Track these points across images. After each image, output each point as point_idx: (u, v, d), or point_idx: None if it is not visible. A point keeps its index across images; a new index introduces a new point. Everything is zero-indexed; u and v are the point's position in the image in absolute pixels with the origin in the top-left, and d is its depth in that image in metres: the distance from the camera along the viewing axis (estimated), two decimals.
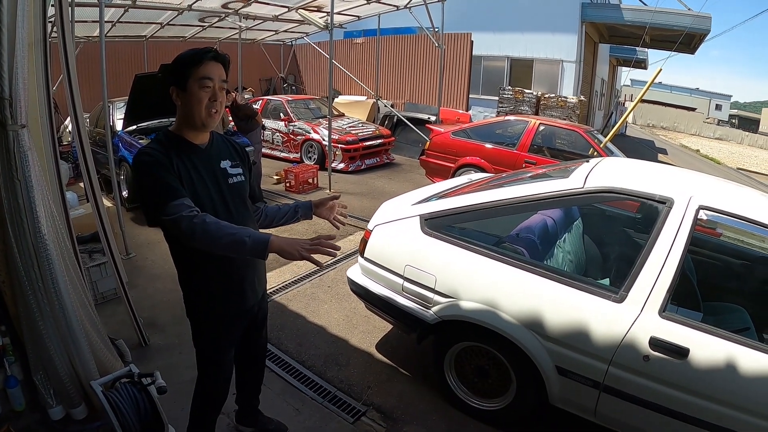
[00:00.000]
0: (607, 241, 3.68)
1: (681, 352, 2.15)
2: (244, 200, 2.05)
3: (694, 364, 2.14)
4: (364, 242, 3.21)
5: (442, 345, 2.94)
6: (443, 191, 3.47)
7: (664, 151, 20.29)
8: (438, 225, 2.91)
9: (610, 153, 6.78)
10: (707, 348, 2.14)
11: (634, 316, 2.28)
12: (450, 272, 2.77)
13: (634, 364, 2.25)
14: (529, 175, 3.46)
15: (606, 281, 2.82)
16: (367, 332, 3.84)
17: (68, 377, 2.50)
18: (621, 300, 2.33)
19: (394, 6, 10.60)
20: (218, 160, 1.97)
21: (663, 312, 2.25)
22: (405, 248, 2.97)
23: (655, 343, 2.20)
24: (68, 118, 7.98)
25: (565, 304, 2.44)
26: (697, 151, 24.76)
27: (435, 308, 2.82)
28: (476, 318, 2.64)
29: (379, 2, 10.31)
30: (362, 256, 3.23)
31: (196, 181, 1.86)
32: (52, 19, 3.09)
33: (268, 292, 4.33)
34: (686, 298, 2.77)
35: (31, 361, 2.52)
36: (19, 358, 2.60)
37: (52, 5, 2.94)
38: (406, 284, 2.94)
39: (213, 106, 1.84)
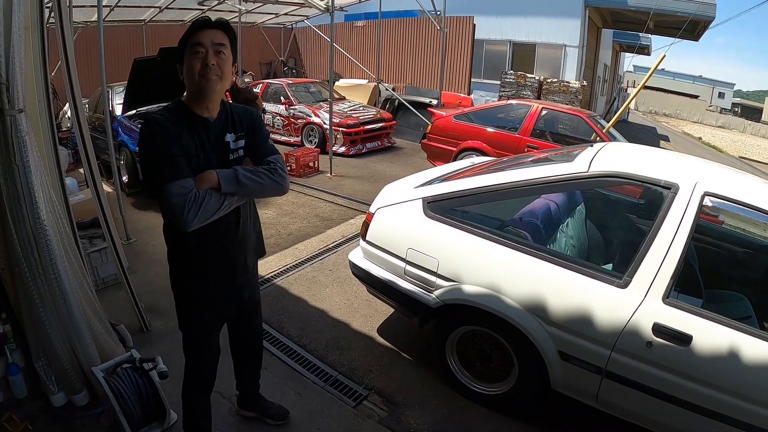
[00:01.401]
0: (609, 227, 3.65)
1: (684, 339, 2.14)
2: None
3: (696, 351, 2.13)
4: (365, 225, 3.19)
5: (444, 329, 2.93)
6: (445, 174, 3.44)
7: (666, 138, 20.18)
8: (440, 208, 2.89)
9: (613, 138, 6.74)
10: (710, 335, 2.13)
11: (637, 301, 2.27)
12: (452, 256, 2.76)
13: (637, 350, 2.24)
14: (532, 159, 3.43)
15: (609, 266, 2.80)
16: (368, 316, 3.84)
17: (69, 363, 2.51)
18: (625, 285, 2.32)
19: None
20: (223, 133, 1.94)
21: (667, 298, 2.24)
22: (407, 231, 2.96)
23: (659, 329, 2.19)
24: (67, 104, 7.92)
25: (568, 288, 2.42)
26: (699, 138, 24.63)
27: (437, 292, 2.81)
28: (479, 302, 2.63)
29: None
30: (364, 239, 3.21)
31: (200, 154, 1.85)
32: (50, 4, 3.05)
33: (268, 276, 4.39)
34: (688, 284, 2.75)
35: (32, 348, 2.54)
36: (20, 346, 2.61)
37: None
38: (408, 268, 2.93)
39: (206, 71, 1.78)
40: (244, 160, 2.00)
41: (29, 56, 2.48)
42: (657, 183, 2.50)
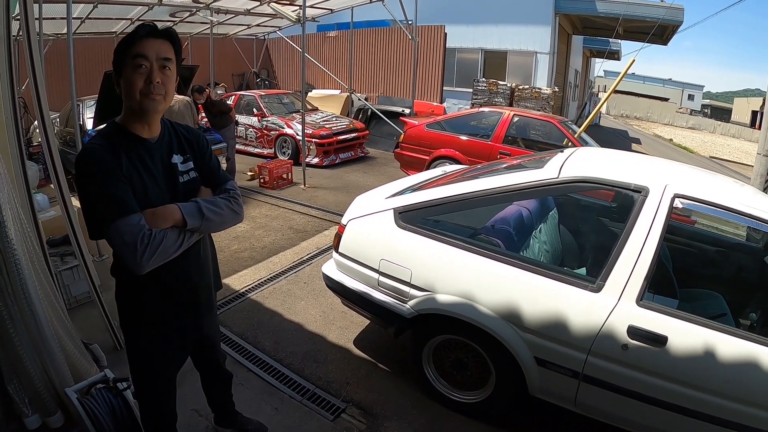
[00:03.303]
0: (583, 231, 3.69)
1: (659, 340, 2.16)
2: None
3: (672, 352, 2.14)
4: (338, 237, 3.15)
5: (420, 339, 2.90)
6: (417, 184, 3.43)
7: (637, 141, 20.59)
8: (412, 218, 2.86)
9: (584, 143, 6.82)
10: (685, 335, 2.15)
11: (611, 305, 2.27)
12: (425, 265, 2.73)
13: (613, 353, 2.24)
14: (504, 166, 3.43)
15: (582, 271, 2.82)
16: (344, 328, 3.79)
17: (43, 385, 2.43)
18: (598, 289, 2.32)
19: None
20: (169, 154, 1.76)
21: (640, 300, 2.24)
22: (379, 242, 2.92)
23: (633, 331, 2.20)
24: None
25: (542, 294, 2.41)
26: (671, 140, 25.17)
27: (411, 302, 2.78)
28: (453, 311, 2.61)
29: None
30: (337, 251, 3.16)
31: (146, 181, 1.66)
32: (19, 17, 2.95)
33: (242, 290, 4.33)
34: (662, 285, 2.78)
35: (3, 370, 2.44)
36: None
37: None
38: (382, 279, 2.89)
39: (149, 90, 1.59)
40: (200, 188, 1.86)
41: None
42: (627, 187, 2.51)
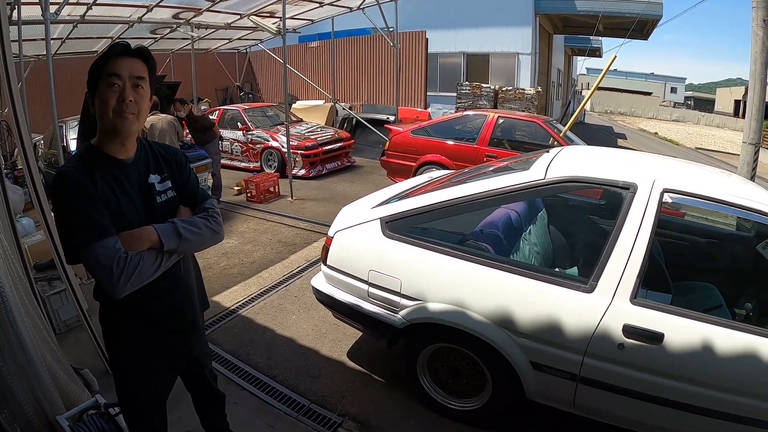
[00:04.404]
0: (573, 231, 3.66)
1: (656, 337, 2.13)
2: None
3: (669, 348, 2.12)
4: (325, 250, 3.10)
5: (413, 349, 2.85)
6: (403, 192, 3.39)
7: (623, 136, 20.73)
8: (399, 227, 2.82)
9: (570, 141, 6.83)
10: (682, 331, 2.12)
11: (605, 305, 2.24)
12: (415, 274, 2.68)
13: (609, 354, 2.21)
14: (491, 169, 3.40)
15: (574, 271, 2.78)
16: (337, 341, 3.73)
17: (34, 413, 2.38)
18: (591, 290, 2.28)
19: (348, 8, 10.52)
20: (146, 174, 1.74)
21: (634, 298, 2.21)
22: (367, 253, 2.87)
23: (629, 330, 2.17)
24: None
25: (534, 298, 2.37)
26: (656, 133, 25.37)
27: (402, 312, 2.73)
28: (445, 319, 2.56)
29: (333, 5, 10.21)
30: (325, 264, 3.11)
31: (123, 202, 1.64)
32: None
33: (233, 307, 4.27)
34: (656, 280, 2.75)
35: None
36: None
37: None
38: (372, 290, 2.84)
39: (122, 107, 1.57)
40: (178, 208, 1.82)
41: None
42: (615, 184, 2.49)
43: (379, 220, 2.90)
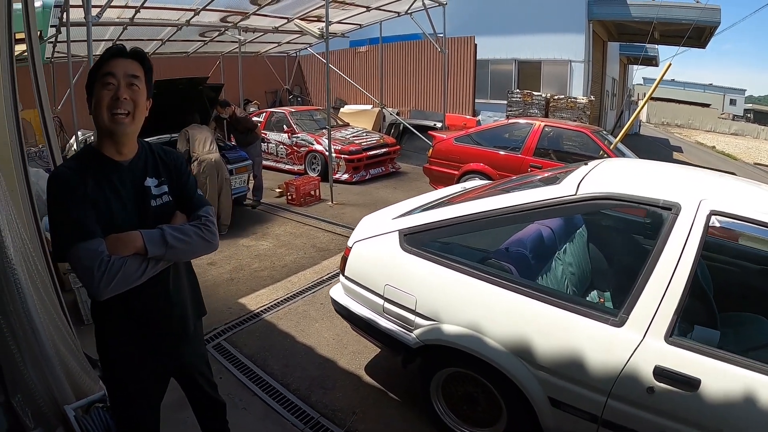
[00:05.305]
0: (616, 251, 3.37)
1: (691, 384, 1.84)
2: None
3: (706, 397, 1.83)
4: (344, 260, 2.98)
5: (428, 371, 2.68)
6: (428, 203, 3.21)
7: (679, 149, 19.79)
8: (418, 241, 2.66)
9: (620, 154, 6.46)
10: (722, 378, 1.83)
11: (635, 342, 1.97)
12: (430, 292, 2.51)
13: (636, 397, 1.94)
14: (523, 181, 3.18)
15: (609, 297, 2.54)
16: (357, 353, 3.60)
17: (44, 401, 2.45)
18: (621, 323, 2.02)
19: (395, 12, 10.44)
20: (142, 177, 1.73)
21: (670, 336, 1.93)
22: (384, 266, 2.73)
23: (661, 373, 1.89)
24: (73, 137, 7.93)
25: (555, 328, 2.14)
26: (713, 147, 24.22)
27: (416, 331, 2.56)
28: (458, 343, 2.38)
29: (379, 9, 10.14)
30: (343, 275, 3.00)
31: (113, 205, 1.63)
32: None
33: (257, 311, 4.22)
34: (701, 313, 2.45)
35: (8, 384, 2.46)
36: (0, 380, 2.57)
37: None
38: (387, 305, 2.69)
39: (116, 105, 1.58)
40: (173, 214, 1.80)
41: None
42: (655, 203, 2.21)
43: (397, 232, 2.75)
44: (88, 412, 2.48)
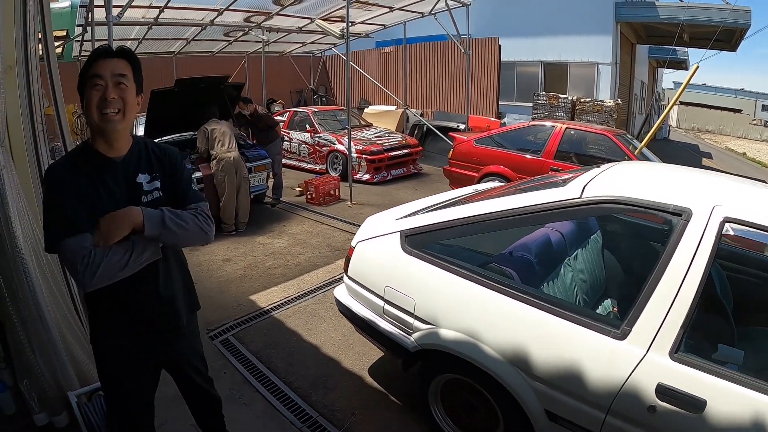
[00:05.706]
0: (629, 258, 3.23)
1: (696, 405, 1.71)
2: None
3: (711, 420, 1.69)
4: (347, 260, 2.94)
5: (426, 375, 2.62)
6: (435, 204, 3.14)
7: (708, 155, 19.26)
8: (419, 242, 2.59)
9: (645, 158, 6.28)
10: (729, 400, 1.68)
11: (638, 356, 1.85)
12: (429, 295, 2.45)
13: (637, 415, 1.82)
14: (531, 184, 3.08)
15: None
16: (362, 354, 3.57)
17: (49, 386, 2.59)
18: (623, 336, 1.90)
19: (419, 13, 10.38)
20: (135, 173, 1.76)
21: (676, 352, 1.80)
22: (385, 267, 2.68)
23: (664, 391, 1.77)
24: None
25: (555, 338, 2.05)
26: (744, 154, 23.54)
27: (415, 335, 2.50)
28: (455, 349, 2.30)
29: (403, 9, 10.09)
30: (346, 275, 2.96)
31: (104, 200, 1.67)
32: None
33: (267, 308, 4.27)
34: (718, 326, 2.31)
35: (16, 369, 2.62)
36: (9, 365, 2.69)
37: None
38: (387, 307, 2.64)
39: (105, 105, 1.62)
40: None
41: (13, 94, 2.57)
42: (664, 209, 2.08)
43: (399, 233, 2.70)
44: (91, 399, 2.58)
